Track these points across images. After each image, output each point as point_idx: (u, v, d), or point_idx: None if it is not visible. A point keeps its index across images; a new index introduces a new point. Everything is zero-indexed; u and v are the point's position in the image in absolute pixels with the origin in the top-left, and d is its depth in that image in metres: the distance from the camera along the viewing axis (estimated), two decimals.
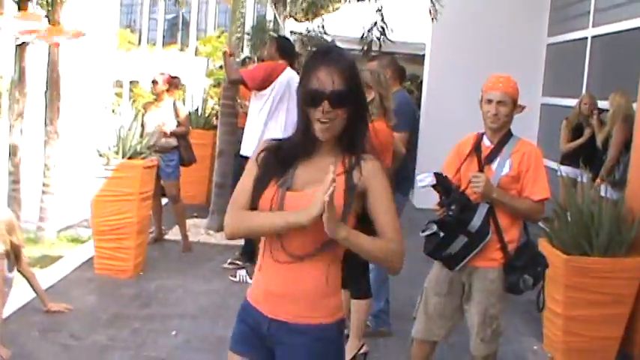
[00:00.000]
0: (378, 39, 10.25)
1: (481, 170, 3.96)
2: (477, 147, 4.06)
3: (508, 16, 10.77)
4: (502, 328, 4.08)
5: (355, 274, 4.74)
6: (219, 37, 31.31)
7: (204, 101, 12.98)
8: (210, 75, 24.37)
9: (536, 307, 4.16)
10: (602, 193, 5.85)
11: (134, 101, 22.99)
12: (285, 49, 6.87)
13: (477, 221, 3.87)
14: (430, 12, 9.80)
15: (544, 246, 5.34)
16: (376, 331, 5.46)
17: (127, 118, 6.98)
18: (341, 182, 2.43)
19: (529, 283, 3.96)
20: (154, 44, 40.31)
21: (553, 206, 5.42)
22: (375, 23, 10.27)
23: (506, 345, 5.49)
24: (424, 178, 3.89)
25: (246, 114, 8.47)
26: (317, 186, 2.37)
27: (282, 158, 2.52)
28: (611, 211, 5.18)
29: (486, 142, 4.05)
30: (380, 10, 10.23)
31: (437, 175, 3.92)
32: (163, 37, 42.57)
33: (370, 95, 4.69)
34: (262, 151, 2.58)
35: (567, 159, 8.04)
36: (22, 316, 5.43)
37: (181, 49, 33.60)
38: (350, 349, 4.72)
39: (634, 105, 6.79)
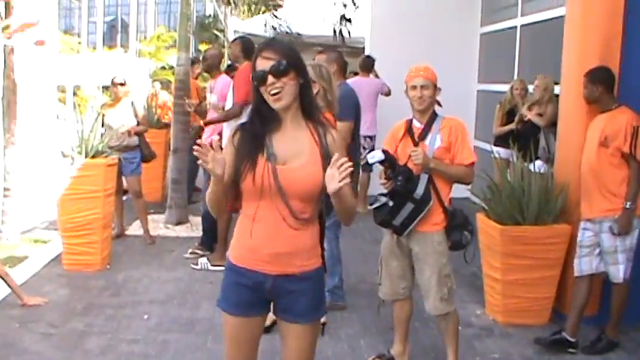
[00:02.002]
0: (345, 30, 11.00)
1: (416, 146, 4.53)
2: (409, 129, 4.68)
3: (443, 8, 11.22)
4: (455, 285, 4.66)
5: None
6: (159, 37, 31.33)
7: (152, 101, 13.15)
8: (154, 75, 24.47)
9: (465, 259, 4.70)
10: (538, 169, 6.37)
11: (79, 105, 22.93)
12: (248, 50, 7.12)
13: (420, 189, 4.47)
14: None
15: (481, 219, 5.90)
16: (332, 305, 5.88)
17: (84, 121, 7.23)
18: (318, 153, 2.97)
19: (468, 238, 4.62)
20: (94, 48, 39.98)
21: (488, 184, 5.95)
22: (343, 16, 11.01)
23: None
24: (375, 155, 4.46)
25: (196, 112, 8.86)
26: (299, 158, 2.93)
27: (255, 136, 2.97)
28: (539, 184, 5.72)
29: (416, 124, 4.66)
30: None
31: (385, 152, 4.48)
32: (103, 39, 42.25)
33: (315, 89, 5.09)
34: (236, 132, 3.04)
35: (500, 141, 8.58)
36: (1, 311, 5.76)
37: (125, 52, 33.55)
38: None
39: (556, 86, 7.37)
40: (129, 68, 23.37)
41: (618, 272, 5.20)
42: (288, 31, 12.24)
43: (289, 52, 2.96)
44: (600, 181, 5.22)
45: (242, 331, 3.09)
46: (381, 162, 4.46)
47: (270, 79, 2.88)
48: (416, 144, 4.57)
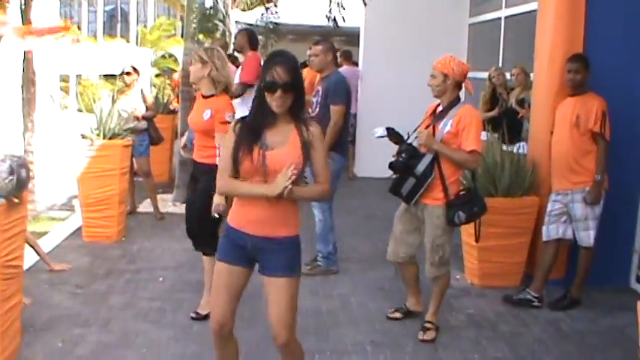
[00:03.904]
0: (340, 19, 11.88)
1: (433, 127, 5.12)
2: (435, 110, 5.29)
3: (434, 0, 11.99)
4: (448, 255, 5.26)
5: None
6: (160, 26, 31.85)
7: (159, 89, 13.80)
8: (155, 64, 25.06)
9: (475, 239, 5.35)
10: (519, 150, 7.02)
11: (81, 94, 23.48)
12: (253, 41, 7.97)
13: (421, 167, 5.05)
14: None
15: None
16: (327, 270, 6.62)
17: (102, 106, 7.89)
18: (298, 141, 3.67)
19: (462, 219, 5.13)
20: (95, 37, 40.38)
21: None
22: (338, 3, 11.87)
23: None
24: (377, 130, 5.09)
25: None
26: (283, 145, 3.63)
27: (253, 128, 3.69)
28: (511, 161, 6.40)
29: (440, 107, 5.24)
30: None
31: (388, 129, 5.12)
32: (104, 29, 42.68)
33: (207, 69, 5.25)
34: (237, 123, 3.76)
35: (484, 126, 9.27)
36: (31, 275, 6.36)
37: (126, 41, 34.03)
38: None
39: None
40: (130, 57, 23.97)
41: (589, 238, 5.88)
42: (276, 22, 13.78)
43: (296, 71, 3.65)
44: (571, 157, 5.87)
45: (226, 277, 3.79)
46: (388, 137, 5.07)
47: (279, 92, 3.58)
48: (433, 124, 5.13)
